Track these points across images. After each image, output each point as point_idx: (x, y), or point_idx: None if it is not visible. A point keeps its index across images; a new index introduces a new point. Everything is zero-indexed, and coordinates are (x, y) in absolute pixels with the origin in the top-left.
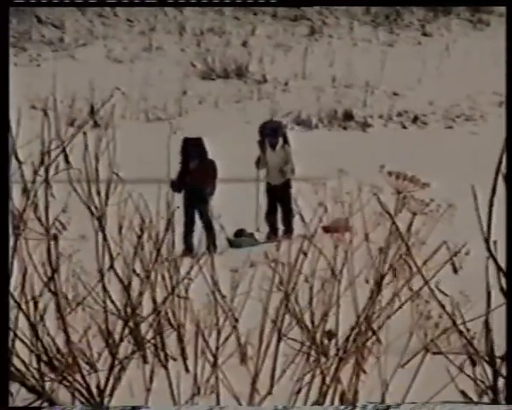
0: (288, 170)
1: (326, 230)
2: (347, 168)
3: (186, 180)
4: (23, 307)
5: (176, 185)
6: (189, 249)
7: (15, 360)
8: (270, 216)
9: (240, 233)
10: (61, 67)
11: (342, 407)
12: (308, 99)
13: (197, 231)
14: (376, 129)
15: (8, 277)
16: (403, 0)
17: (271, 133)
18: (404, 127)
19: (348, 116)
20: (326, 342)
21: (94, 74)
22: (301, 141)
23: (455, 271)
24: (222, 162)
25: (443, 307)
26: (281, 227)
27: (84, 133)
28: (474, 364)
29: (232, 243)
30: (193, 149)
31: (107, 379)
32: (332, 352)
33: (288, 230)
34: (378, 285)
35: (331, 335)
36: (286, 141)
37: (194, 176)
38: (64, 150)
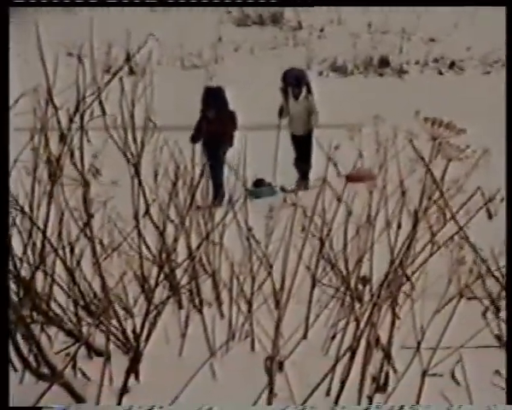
0: (312, 121)
1: (349, 179)
2: (383, 115)
3: (204, 130)
4: (60, 252)
5: (193, 135)
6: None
7: (53, 305)
8: (300, 163)
9: (259, 183)
10: (97, 14)
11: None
12: (344, 45)
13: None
14: (412, 75)
15: (8, 278)
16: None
17: (294, 82)
18: (441, 73)
19: (384, 62)
20: (360, 287)
21: (130, 21)
22: (337, 87)
23: (489, 217)
24: (256, 110)
25: (477, 252)
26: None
27: (120, 79)
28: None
29: (251, 193)
30: (212, 98)
31: (143, 324)
32: (366, 298)
33: (304, 179)
34: (412, 231)
35: (365, 280)
36: (309, 91)
37: (212, 126)
38: (99, 97)
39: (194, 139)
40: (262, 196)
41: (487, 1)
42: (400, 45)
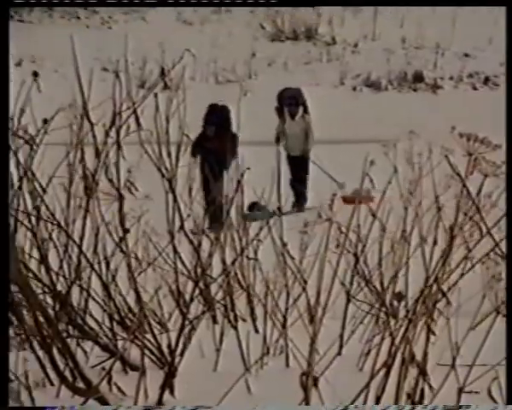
0: (309, 142)
1: (346, 200)
2: (417, 130)
3: (203, 145)
4: (95, 267)
5: (192, 149)
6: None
7: (89, 319)
8: (296, 184)
9: (253, 206)
10: (131, 29)
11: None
12: (378, 61)
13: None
14: (447, 90)
15: (8, 282)
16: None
17: (291, 101)
18: (475, 88)
19: (418, 78)
20: (395, 303)
21: (164, 36)
22: (371, 103)
23: None
24: None
25: None
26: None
27: (155, 94)
28: None
29: (245, 217)
30: (215, 115)
31: (178, 339)
32: (401, 314)
33: (299, 202)
34: (448, 247)
35: (400, 296)
36: (306, 110)
37: (210, 144)
38: (135, 112)
39: (193, 153)
40: (256, 220)
41: (487, 1)
42: (434, 60)
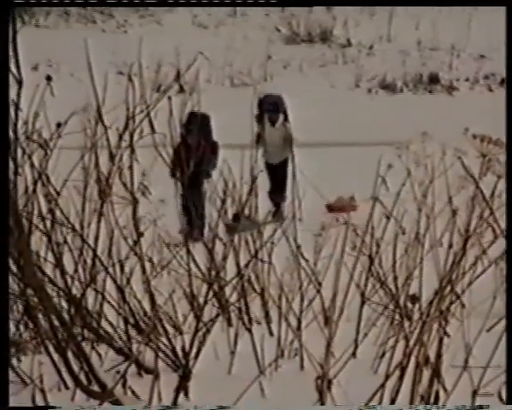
0: (288, 149)
1: (330, 209)
2: (431, 132)
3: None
4: (110, 270)
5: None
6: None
7: (103, 323)
8: (274, 194)
9: (237, 217)
10: (147, 32)
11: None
12: (393, 63)
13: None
14: (462, 92)
15: (8, 279)
16: (403, 0)
17: (271, 108)
18: (491, 90)
19: (434, 79)
20: (410, 305)
21: (180, 40)
22: (386, 105)
23: None
24: (305, 127)
25: None
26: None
27: (169, 98)
28: None
29: (229, 228)
30: (195, 124)
31: (192, 342)
32: (416, 316)
33: (278, 212)
34: (462, 249)
35: (415, 299)
36: (286, 118)
37: (191, 154)
38: (149, 115)
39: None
40: (240, 231)
41: (487, 1)
42: (450, 62)
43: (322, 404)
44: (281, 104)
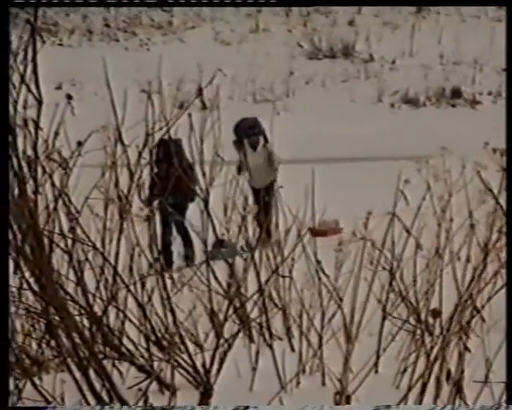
0: (273, 171)
1: (313, 232)
2: (452, 146)
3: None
4: (131, 288)
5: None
6: (168, 264)
7: (125, 340)
8: (260, 217)
9: (218, 244)
10: (169, 50)
11: None
12: (416, 77)
13: (176, 243)
14: (485, 106)
15: (8, 278)
16: (403, 0)
17: (249, 132)
18: None
19: (456, 93)
20: (431, 320)
21: (202, 57)
22: (408, 120)
23: None
24: (326, 142)
25: None
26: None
27: (189, 114)
28: None
29: (210, 256)
30: (164, 152)
31: (213, 358)
32: (437, 331)
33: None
34: (482, 263)
35: (436, 313)
36: (266, 140)
37: (165, 183)
38: (168, 132)
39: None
40: (221, 258)
41: (487, 1)
42: (473, 76)
43: None
44: (258, 127)
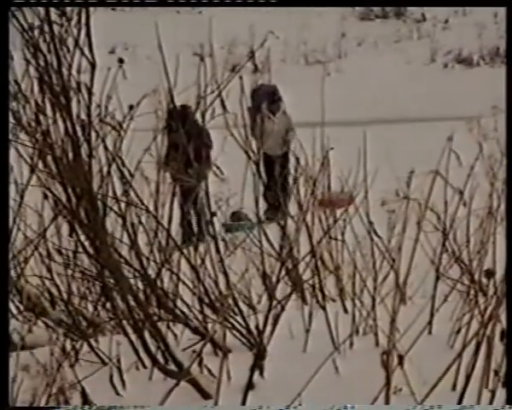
0: (289, 139)
1: (322, 203)
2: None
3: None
4: (184, 251)
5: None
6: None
7: (179, 303)
8: (271, 192)
9: (235, 216)
10: (221, 13)
11: None
12: (469, 36)
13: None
14: None
15: (8, 279)
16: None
17: (268, 97)
18: None
19: None
20: (485, 280)
21: (254, 20)
22: (462, 79)
23: None
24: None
25: None
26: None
27: (240, 77)
28: None
29: (227, 229)
30: (177, 120)
31: (266, 320)
32: (491, 291)
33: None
34: None
35: (489, 274)
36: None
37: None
38: (220, 95)
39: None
40: (239, 230)
41: (487, 1)
42: None
43: (389, 382)
44: (277, 93)
